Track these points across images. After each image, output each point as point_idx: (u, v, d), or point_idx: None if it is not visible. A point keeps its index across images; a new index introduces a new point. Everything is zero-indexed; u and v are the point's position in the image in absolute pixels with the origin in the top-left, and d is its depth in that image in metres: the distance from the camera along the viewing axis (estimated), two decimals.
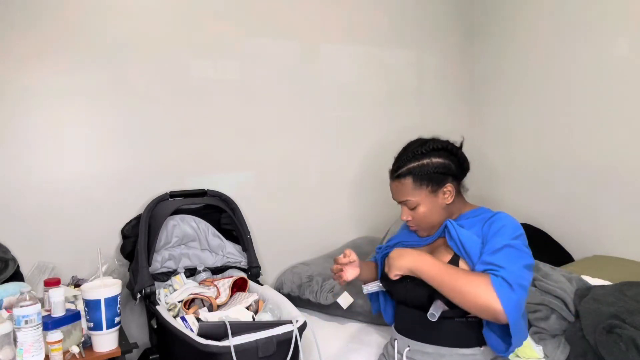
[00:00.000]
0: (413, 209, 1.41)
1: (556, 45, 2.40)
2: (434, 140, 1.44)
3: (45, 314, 1.43)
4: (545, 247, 2.29)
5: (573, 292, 1.69)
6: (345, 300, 1.91)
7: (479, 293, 1.20)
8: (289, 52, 2.33)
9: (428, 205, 1.39)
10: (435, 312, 1.26)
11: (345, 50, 2.47)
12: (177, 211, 1.99)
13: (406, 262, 1.33)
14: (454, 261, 1.33)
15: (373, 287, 1.48)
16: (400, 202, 1.44)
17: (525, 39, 2.56)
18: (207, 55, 2.14)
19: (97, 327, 1.45)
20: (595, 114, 2.25)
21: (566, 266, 2.07)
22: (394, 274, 1.35)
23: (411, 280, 1.36)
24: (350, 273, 1.47)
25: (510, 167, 2.66)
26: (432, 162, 1.39)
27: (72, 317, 1.45)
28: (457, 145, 1.45)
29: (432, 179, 1.39)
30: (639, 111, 2.09)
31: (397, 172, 1.42)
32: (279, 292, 1.91)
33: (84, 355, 1.43)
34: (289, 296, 2.00)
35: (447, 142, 1.44)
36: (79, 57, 1.89)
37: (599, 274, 1.86)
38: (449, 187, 1.40)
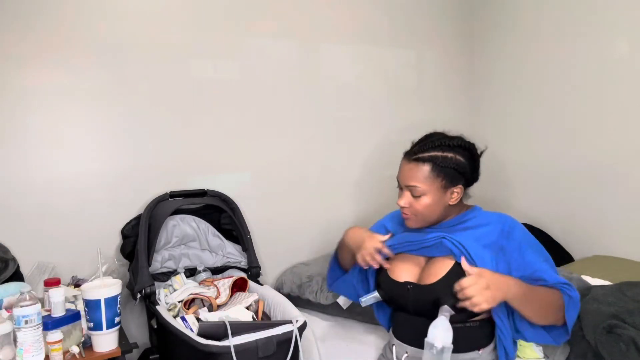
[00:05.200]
0: (417, 197, 1.34)
1: (556, 43, 2.40)
2: (460, 138, 1.39)
3: (45, 314, 1.43)
4: (546, 247, 2.28)
5: None
6: (345, 300, 1.91)
7: (553, 310, 1.27)
8: (289, 52, 2.33)
9: (434, 199, 1.34)
10: (444, 317, 1.23)
11: (345, 50, 2.47)
12: (177, 211, 1.99)
13: (499, 295, 1.19)
14: (457, 268, 1.29)
15: (370, 298, 1.45)
16: (406, 186, 1.36)
17: (525, 38, 2.55)
18: (207, 55, 2.14)
19: (97, 327, 1.45)
20: (595, 113, 2.25)
21: (566, 266, 2.07)
22: (482, 308, 1.17)
23: (413, 287, 1.35)
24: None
25: (510, 167, 2.66)
26: (455, 158, 1.34)
27: (72, 317, 1.45)
28: (479, 151, 1.41)
29: (448, 175, 1.34)
30: (639, 111, 2.09)
31: (417, 154, 1.35)
32: (279, 292, 1.91)
33: (84, 355, 1.43)
34: (289, 296, 2.00)
35: (473, 144, 1.40)
36: (78, 57, 1.89)
37: (599, 274, 1.86)
38: (458, 189, 1.36)
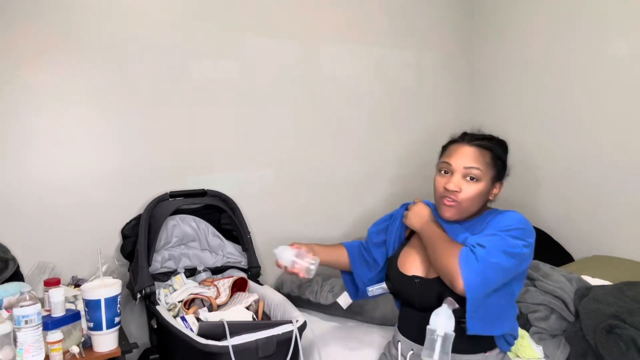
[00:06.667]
0: (471, 180, 1.31)
1: (556, 42, 2.40)
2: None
3: (45, 314, 1.43)
4: (546, 247, 2.29)
5: (573, 292, 1.69)
6: (345, 300, 1.91)
7: (446, 255, 1.23)
8: (289, 52, 2.33)
9: (485, 187, 1.32)
10: (447, 306, 1.23)
11: (345, 50, 2.47)
12: (177, 211, 1.99)
13: (417, 221, 1.39)
14: None
15: (377, 289, 1.45)
16: (465, 167, 1.31)
17: (525, 37, 2.55)
18: (207, 55, 2.14)
19: (97, 327, 1.45)
20: (595, 113, 2.25)
21: (566, 266, 2.07)
22: (404, 222, 1.44)
23: (420, 281, 1.35)
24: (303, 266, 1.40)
25: (510, 167, 2.66)
26: (504, 155, 1.38)
27: (72, 317, 1.45)
28: None
29: (499, 169, 1.36)
30: (638, 111, 2.09)
31: (477, 141, 1.34)
32: (279, 292, 1.91)
33: (84, 355, 1.43)
34: (289, 296, 2.00)
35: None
36: (79, 57, 1.89)
37: (599, 274, 1.87)
38: (499, 185, 1.38)
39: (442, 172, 1.36)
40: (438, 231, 1.33)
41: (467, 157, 1.33)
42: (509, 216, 1.30)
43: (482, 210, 1.40)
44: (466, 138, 1.37)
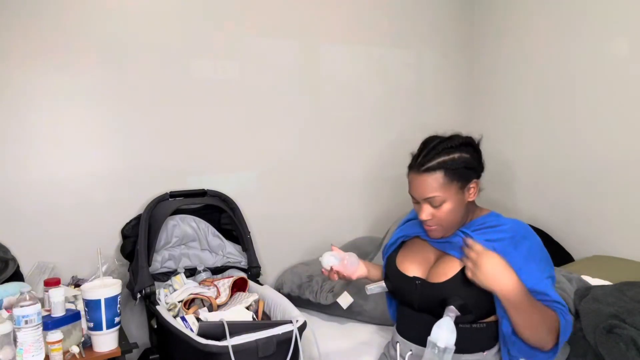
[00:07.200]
0: (437, 206, 1.31)
1: (556, 41, 2.40)
2: (458, 136, 1.36)
3: (45, 314, 1.43)
4: (546, 247, 2.29)
5: (573, 292, 1.69)
6: (345, 300, 1.91)
7: (547, 332, 1.22)
8: (289, 52, 2.33)
9: (455, 202, 1.31)
10: (450, 317, 1.22)
11: (345, 50, 2.47)
12: (177, 211, 1.99)
13: (498, 284, 1.19)
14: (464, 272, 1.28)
15: (376, 288, 1.44)
16: (424, 199, 1.31)
17: (525, 36, 2.55)
18: (207, 55, 2.14)
19: (97, 327, 1.45)
20: (595, 113, 2.25)
21: (566, 266, 2.07)
22: (471, 278, 1.22)
23: (421, 282, 1.34)
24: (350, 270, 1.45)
25: (510, 166, 2.66)
26: (462, 157, 1.32)
27: (72, 317, 1.45)
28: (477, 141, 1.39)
29: (462, 175, 1.31)
30: (638, 111, 2.09)
31: (425, 165, 1.30)
32: (279, 292, 1.91)
33: (84, 355, 1.43)
34: (289, 296, 2.00)
35: (470, 137, 1.38)
36: (79, 57, 1.89)
37: (599, 274, 1.87)
38: (473, 184, 1.34)
39: (413, 200, 1.37)
40: (529, 300, 1.21)
41: (422, 189, 1.31)
42: (532, 242, 1.31)
43: (474, 211, 1.39)
44: (416, 165, 1.33)
